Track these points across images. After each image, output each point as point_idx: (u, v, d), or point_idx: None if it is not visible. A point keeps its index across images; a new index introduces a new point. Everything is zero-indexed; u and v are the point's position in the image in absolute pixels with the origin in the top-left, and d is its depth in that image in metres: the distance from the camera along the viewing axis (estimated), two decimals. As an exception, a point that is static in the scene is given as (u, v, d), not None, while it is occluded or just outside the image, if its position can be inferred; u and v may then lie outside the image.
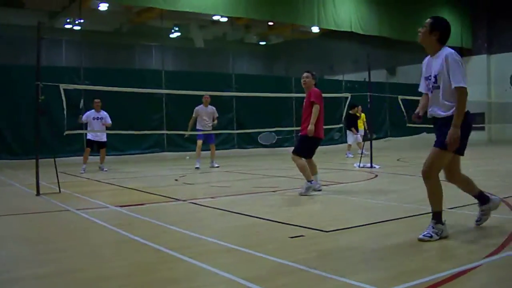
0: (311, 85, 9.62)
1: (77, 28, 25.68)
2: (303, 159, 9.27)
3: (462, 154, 5.64)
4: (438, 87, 5.50)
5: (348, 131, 20.23)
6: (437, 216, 5.49)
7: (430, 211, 5.56)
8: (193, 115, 15.64)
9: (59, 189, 9.90)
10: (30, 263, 4.88)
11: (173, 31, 29.52)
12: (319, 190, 9.31)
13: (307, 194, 8.93)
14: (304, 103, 9.66)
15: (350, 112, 19.25)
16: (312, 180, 9.08)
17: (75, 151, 19.13)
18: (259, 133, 12.93)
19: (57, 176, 10.10)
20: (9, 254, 5.31)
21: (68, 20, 26.36)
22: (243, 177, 13.10)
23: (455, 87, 5.35)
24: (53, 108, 14.93)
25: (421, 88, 5.86)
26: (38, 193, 9.52)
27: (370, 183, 11.05)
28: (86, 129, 15.63)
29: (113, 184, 11.76)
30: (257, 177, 12.83)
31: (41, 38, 9.90)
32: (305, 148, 9.37)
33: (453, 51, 5.51)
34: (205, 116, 15.61)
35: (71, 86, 13.31)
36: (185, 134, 16.84)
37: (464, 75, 5.40)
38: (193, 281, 4.20)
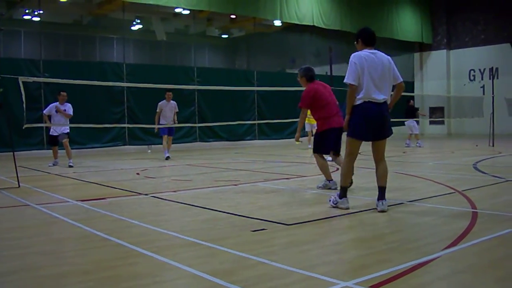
0: (305, 84, 8.95)
1: (36, 19, 25.22)
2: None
3: (359, 138, 6.68)
4: None
5: (411, 122, 20.85)
6: (341, 190, 6.86)
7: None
8: (157, 110, 16.30)
9: (19, 184, 9.78)
10: (-12, 259, 4.81)
11: (134, 23, 29.27)
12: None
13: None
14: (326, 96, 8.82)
15: (410, 104, 21.18)
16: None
17: (35, 144, 18.89)
18: (221, 126, 12.95)
19: (16, 171, 9.96)
20: (-33, 250, 5.23)
21: (27, 11, 25.89)
22: (205, 170, 13.08)
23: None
24: (12, 101, 14.69)
25: None
26: (-4, 188, 9.38)
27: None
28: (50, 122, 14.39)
29: (74, 178, 11.63)
30: (218, 171, 12.83)
31: (-1, 30, 9.73)
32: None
33: (355, 53, 6.53)
34: (168, 111, 16.35)
35: (30, 79, 13.07)
36: (154, 128, 16.95)
37: (351, 72, 6.38)
38: (155, 276, 4.19)
